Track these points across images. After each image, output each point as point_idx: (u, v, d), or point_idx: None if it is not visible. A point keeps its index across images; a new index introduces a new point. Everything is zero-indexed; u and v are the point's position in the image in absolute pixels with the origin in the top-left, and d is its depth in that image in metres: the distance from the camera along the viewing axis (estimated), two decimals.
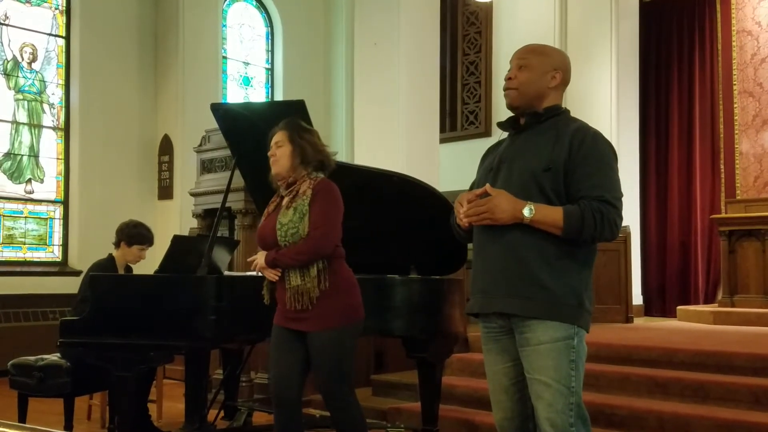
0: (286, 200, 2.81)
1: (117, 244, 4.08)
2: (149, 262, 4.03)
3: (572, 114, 2.35)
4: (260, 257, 2.80)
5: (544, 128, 2.25)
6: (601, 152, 2.19)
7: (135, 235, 4.06)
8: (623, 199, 2.20)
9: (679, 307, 7.31)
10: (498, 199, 2.14)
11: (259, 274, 2.87)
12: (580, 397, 2.18)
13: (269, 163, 2.86)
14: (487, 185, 2.20)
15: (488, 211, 2.14)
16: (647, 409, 3.68)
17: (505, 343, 2.26)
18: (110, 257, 4.07)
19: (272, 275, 2.77)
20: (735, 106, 8.01)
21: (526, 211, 2.11)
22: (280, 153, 2.83)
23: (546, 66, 2.28)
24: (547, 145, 2.20)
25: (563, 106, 2.34)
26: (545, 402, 2.14)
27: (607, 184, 2.15)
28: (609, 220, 2.11)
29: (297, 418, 2.86)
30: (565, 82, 2.33)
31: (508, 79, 2.30)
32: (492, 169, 2.30)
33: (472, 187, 2.40)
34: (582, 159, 2.15)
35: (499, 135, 2.47)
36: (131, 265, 4.18)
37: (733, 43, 8.06)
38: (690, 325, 6.44)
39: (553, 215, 2.12)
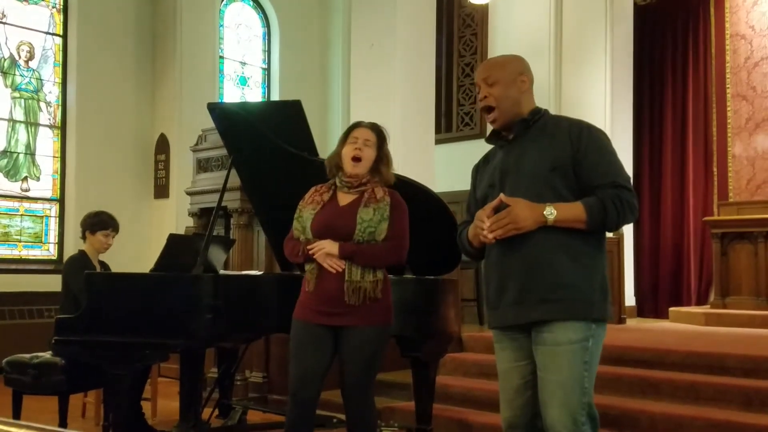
0: (353, 197, 2.83)
1: (83, 237, 4.12)
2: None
3: (567, 117, 2.42)
4: (329, 245, 2.74)
5: (533, 133, 2.31)
6: (600, 140, 2.27)
7: (96, 222, 4.09)
8: None
9: (671, 309, 7.35)
10: (518, 207, 2.15)
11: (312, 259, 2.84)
12: (591, 397, 2.21)
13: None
14: (502, 195, 2.20)
15: (512, 222, 2.15)
16: (639, 409, 3.71)
17: (522, 341, 2.28)
18: (81, 252, 4.11)
19: (337, 267, 2.74)
20: (728, 109, 8.05)
21: (547, 213, 2.14)
22: (367, 153, 2.84)
23: (511, 74, 2.34)
24: (544, 146, 2.25)
25: (547, 108, 2.42)
26: (558, 401, 2.17)
27: (614, 170, 2.23)
28: (628, 203, 2.18)
29: (311, 418, 2.84)
30: (531, 82, 2.40)
31: (484, 98, 2.34)
32: (493, 185, 2.32)
33: (470, 207, 2.44)
34: (585, 151, 2.22)
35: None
36: (105, 261, 4.20)
37: (727, 47, 8.11)
38: (682, 327, 6.48)
39: (574, 211, 2.16)
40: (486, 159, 2.47)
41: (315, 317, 2.79)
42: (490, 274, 2.33)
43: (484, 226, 2.20)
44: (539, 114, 2.35)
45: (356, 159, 2.82)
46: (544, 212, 2.14)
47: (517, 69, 2.37)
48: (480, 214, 2.25)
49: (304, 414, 2.80)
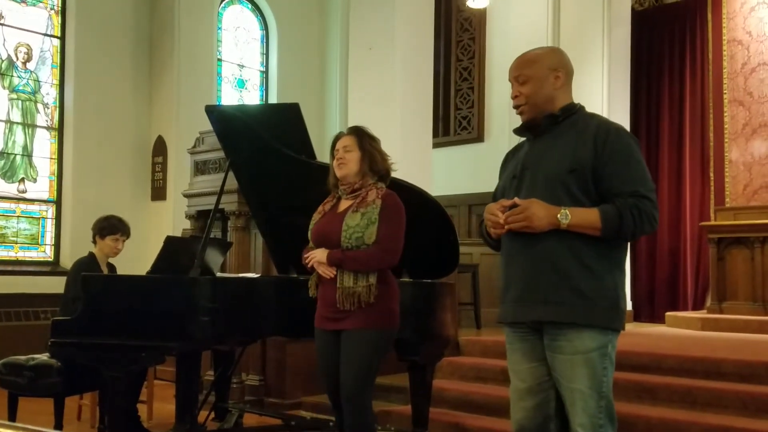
0: (349, 203, 2.90)
1: (94, 240, 4.15)
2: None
3: (600, 116, 2.35)
4: (320, 254, 2.84)
5: (562, 129, 2.25)
6: (627, 146, 2.19)
7: (105, 226, 4.11)
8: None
9: (667, 314, 7.36)
10: (533, 207, 2.12)
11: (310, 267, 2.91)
12: (610, 400, 2.20)
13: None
14: (516, 199, 2.18)
15: (526, 219, 2.13)
16: (636, 414, 3.71)
17: (533, 343, 2.26)
18: (91, 254, 4.13)
19: (329, 273, 2.82)
20: (725, 114, 8.08)
21: (561, 217, 2.11)
22: (349, 157, 2.91)
23: (543, 71, 2.27)
24: (568, 146, 2.20)
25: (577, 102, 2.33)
26: (579, 407, 2.17)
27: (638, 178, 2.16)
28: (647, 214, 2.12)
29: None
30: (568, 75, 2.32)
31: (515, 97, 2.30)
32: (515, 176, 2.29)
33: (495, 194, 2.41)
34: (609, 156, 2.15)
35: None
36: (112, 263, 4.21)
37: (724, 53, 8.14)
38: (678, 332, 6.48)
39: (589, 217, 2.12)
40: (516, 149, 2.43)
41: (323, 323, 2.90)
42: (502, 268, 2.32)
43: (499, 220, 2.18)
44: (572, 110, 2.28)
45: (340, 166, 2.92)
46: (559, 215, 2.11)
47: (550, 65, 2.28)
48: (492, 207, 2.23)
49: (347, 412, 2.85)
